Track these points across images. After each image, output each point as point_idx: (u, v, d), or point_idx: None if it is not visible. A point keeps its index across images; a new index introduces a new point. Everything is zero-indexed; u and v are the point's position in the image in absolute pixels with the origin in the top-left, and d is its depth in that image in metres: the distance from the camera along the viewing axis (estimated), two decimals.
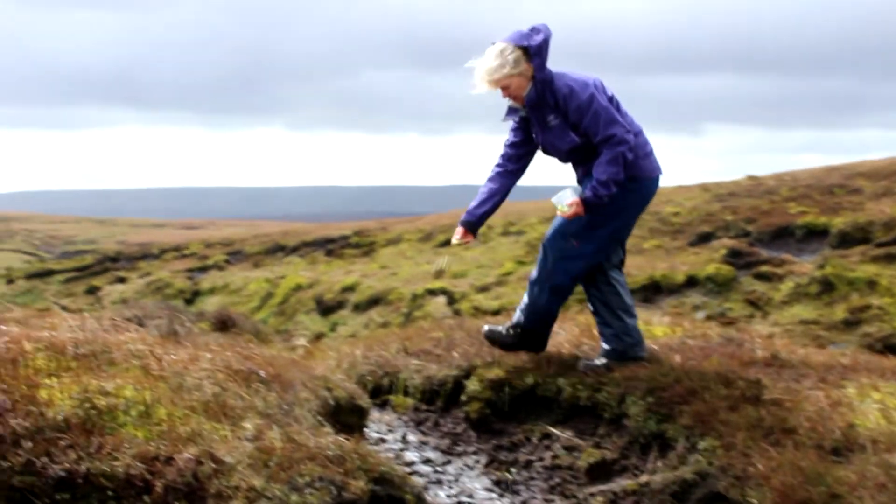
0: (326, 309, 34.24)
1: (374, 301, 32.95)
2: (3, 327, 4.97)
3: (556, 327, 6.98)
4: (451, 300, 30.16)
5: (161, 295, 41.13)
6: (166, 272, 45.32)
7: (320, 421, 4.99)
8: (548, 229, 6.26)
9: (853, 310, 23.33)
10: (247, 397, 4.57)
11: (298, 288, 37.00)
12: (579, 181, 6.21)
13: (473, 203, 6.27)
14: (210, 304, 38.60)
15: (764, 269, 27.19)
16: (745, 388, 5.56)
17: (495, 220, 43.07)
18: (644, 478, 5.29)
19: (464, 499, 5.44)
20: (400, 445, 6.27)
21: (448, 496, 5.44)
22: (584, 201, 5.90)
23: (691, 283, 27.39)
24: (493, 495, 5.51)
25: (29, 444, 3.72)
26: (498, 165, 6.30)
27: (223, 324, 9.65)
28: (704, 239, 32.02)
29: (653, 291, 27.50)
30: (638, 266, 29.80)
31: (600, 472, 5.55)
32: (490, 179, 6.30)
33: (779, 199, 33.88)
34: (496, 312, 21.67)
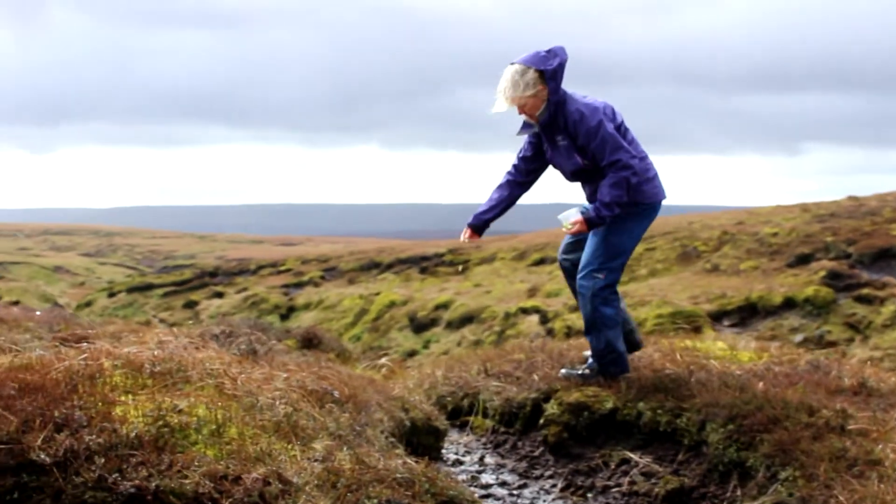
0: (419, 326, 34.36)
1: (468, 319, 32.96)
2: (85, 344, 5.06)
3: (639, 353, 6.90)
4: (545, 319, 29.99)
5: (257, 310, 41.72)
6: (262, 288, 45.92)
7: (393, 442, 4.99)
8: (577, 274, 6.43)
9: None
10: (319, 418, 4.58)
11: (392, 305, 37.19)
12: (589, 199, 6.48)
13: (482, 207, 6.58)
14: (305, 320, 39.01)
15: (865, 291, 26.55)
16: (829, 417, 5.41)
17: None
18: None
19: None
20: (477, 467, 6.24)
21: None
22: (588, 220, 6.20)
23: (789, 305, 26.82)
24: None
25: (102, 461, 3.77)
26: (509, 174, 6.59)
27: (309, 341, 9.73)
28: (803, 260, 31.38)
29: (749, 313, 27.04)
30: (734, 287, 29.35)
31: (678, 499, 5.45)
32: (500, 187, 6.60)
33: (881, 221, 33.09)
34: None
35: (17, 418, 3.90)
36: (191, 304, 45.05)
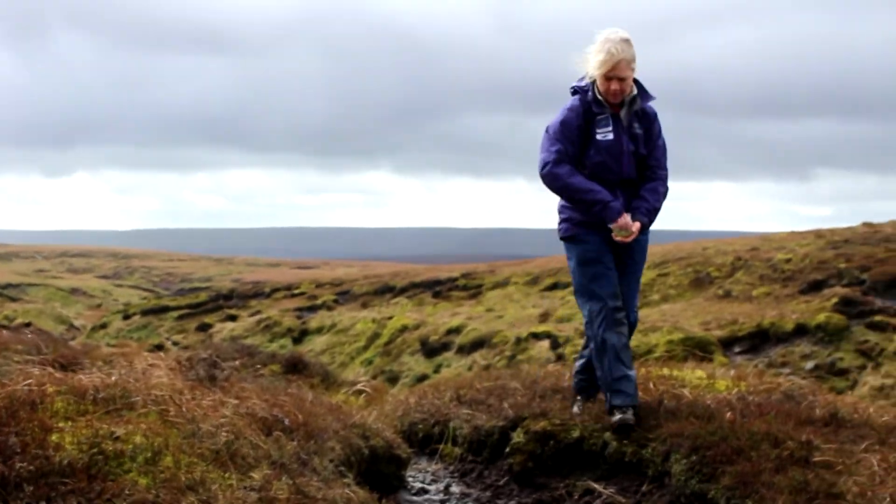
0: (431, 350, 34.29)
1: (479, 344, 32.89)
2: (35, 370, 5.03)
3: None
4: (556, 344, 29.88)
5: (269, 333, 41.73)
6: (276, 311, 45.91)
7: (342, 471, 4.92)
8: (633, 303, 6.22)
9: None
10: (262, 446, 4.53)
11: (404, 329, 37.14)
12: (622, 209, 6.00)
13: (608, 196, 5.93)
14: (317, 344, 39.05)
15: (878, 318, 26.34)
16: (794, 448, 5.31)
17: None
18: None
19: None
20: (441, 497, 6.16)
21: None
22: (643, 226, 6.00)
23: (801, 331, 26.58)
24: None
25: (31, 488, 3.73)
26: (572, 168, 6.00)
27: (294, 366, 9.68)
28: (816, 287, 31.14)
29: (760, 340, 26.83)
30: (746, 314, 29.14)
31: None
32: (584, 177, 5.99)
33: None
34: None
35: None
36: (204, 328, 45.07)
